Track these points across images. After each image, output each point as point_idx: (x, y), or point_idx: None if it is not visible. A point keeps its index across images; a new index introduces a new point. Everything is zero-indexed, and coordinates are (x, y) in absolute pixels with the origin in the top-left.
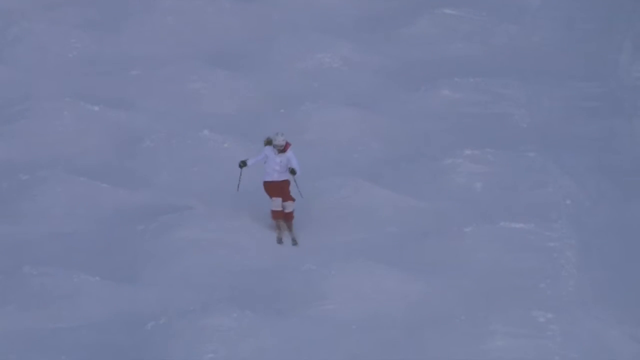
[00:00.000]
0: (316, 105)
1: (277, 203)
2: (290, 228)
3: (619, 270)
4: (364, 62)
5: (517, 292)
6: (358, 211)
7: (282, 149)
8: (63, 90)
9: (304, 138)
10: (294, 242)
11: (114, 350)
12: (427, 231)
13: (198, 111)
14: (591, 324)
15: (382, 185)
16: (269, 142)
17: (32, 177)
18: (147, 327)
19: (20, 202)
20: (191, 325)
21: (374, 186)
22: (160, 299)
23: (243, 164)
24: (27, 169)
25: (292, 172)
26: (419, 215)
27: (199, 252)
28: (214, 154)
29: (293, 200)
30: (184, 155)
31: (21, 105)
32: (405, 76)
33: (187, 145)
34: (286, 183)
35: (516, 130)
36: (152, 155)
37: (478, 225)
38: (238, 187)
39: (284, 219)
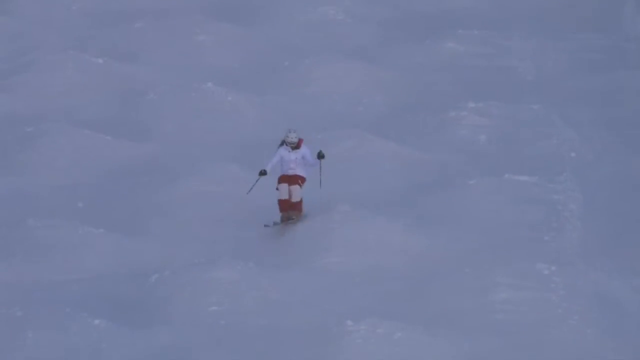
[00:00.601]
0: (320, 57)
1: (283, 191)
2: (296, 217)
3: (623, 222)
4: (368, 14)
5: (521, 245)
6: (362, 163)
7: (296, 146)
8: (67, 43)
9: (308, 91)
10: (292, 221)
11: (118, 302)
12: (431, 184)
13: (202, 64)
14: (595, 276)
15: (386, 137)
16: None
17: (36, 129)
18: (151, 279)
19: (24, 154)
20: (195, 278)
21: (377, 138)
22: (164, 251)
23: (263, 172)
24: (30, 121)
25: (321, 155)
26: (422, 168)
27: (204, 205)
28: (218, 106)
29: (300, 185)
30: (188, 108)
31: (25, 57)
32: (410, 28)
33: (191, 97)
34: (301, 177)
35: (520, 83)
36: (156, 108)
37: (482, 177)
38: (249, 190)
39: (290, 209)
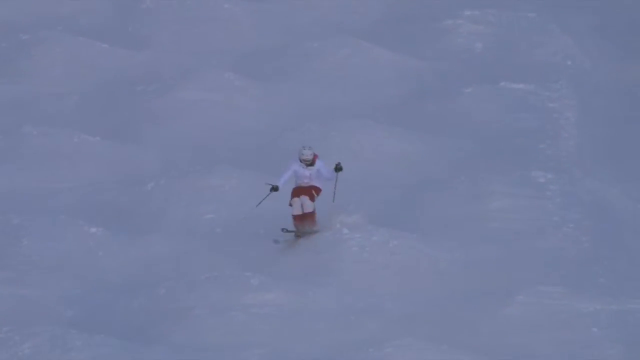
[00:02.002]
0: None
1: (296, 206)
2: (308, 226)
3: (619, 130)
4: None
5: (517, 153)
6: (358, 72)
7: (310, 162)
8: None
9: (302, 1)
10: (305, 234)
11: (114, 210)
12: (427, 92)
13: None
14: (591, 184)
15: (382, 45)
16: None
17: (32, 36)
18: (147, 187)
19: (20, 61)
20: (191, 186)
21: (374, 47)
22: (160, 159)
23: (275, 188)
24: (27, 28)
25: (338, 168)
26: (419, 76)
27: (200, 113)
28: (215, 14)
29: (312, 198)
30: (184, 16)
31: None
32: None
33: (188, 5)
34: (315, 188)
35: None
36: (152, 16)
37: (478, 85)
38: (259, 204)
39: (303, 221)
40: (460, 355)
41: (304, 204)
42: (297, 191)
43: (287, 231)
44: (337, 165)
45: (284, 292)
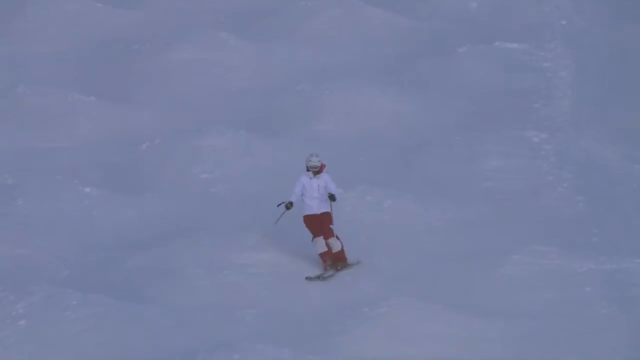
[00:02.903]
0: None
1: (320, 244)
2: (342, 267)
3: (613, 90)
4: None
5: (511, 113)
6: (352, 31)
7: (318, 171)
8: None
9: None
10: (339, 268)
11: (108, 169)
12: (421, 52)
13: None
14: (584, 144)
15: (376, 5)
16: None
17: None
18: (142, 147)
19: (13, 21)
20: (186, 146)
21: (366, 5)
22: (155, 119)
23: (290, 205)
24: None
25: (332, 198)
26: (413, 36)
27: (195, 73)
28: None
29: (335, 236)
30: None
31: None
32: None
33: None
34: (327, 216)
35: None
36: None
37: (472, 45)
38: (277, 221)
39: (334, 260)
40: (454, 315)
41: (332, 246)
42: (312, 223)
43: (312, 279)
44: (330, 195)
45: (279, 252)
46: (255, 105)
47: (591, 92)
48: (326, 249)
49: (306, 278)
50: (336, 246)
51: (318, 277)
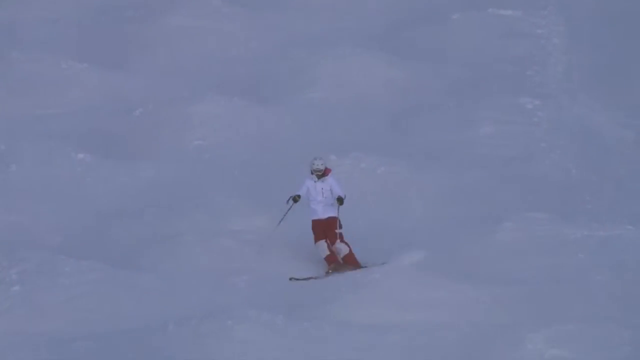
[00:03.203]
0: None
1: (322, 248)
2: (352, 266)
3: (607, 57)
4: None
5: (504, 79)
6: None
7: (322, 174)
8: None
9: None
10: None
11: (102, 136)
12: (415, 18)
13: None
14: (578, 110)
15: None
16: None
17: None
18: (135, 113)
19: None
20: (179, 112)
21: None
22: (148, 85)
23: (297, 197)
24: None
25: (340, 201)
26: (406, 3)
27: (189, 40)
28: None
29: (341, 239)
30: None
31: None
32: None
33: None
34: (332, 221)
35: None
36: None
37: (466, 12)
38: (280, 222)
39: (345, 265)
40: (447, 281)
41: (340, 251)
42: (317, 228)
43: (297, 279)
44: (339, 198)
45: (274, 219)
46: (249, 72)
47: (585, 58)
48: (329, 253)
49: (290, 279)
50: (343, 250)
51: (306, 279)
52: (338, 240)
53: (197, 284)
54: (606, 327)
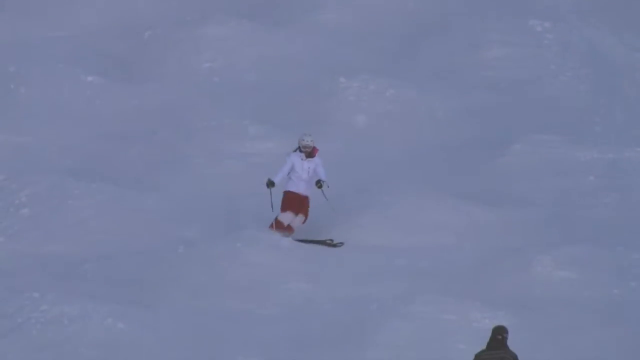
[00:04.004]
0: None
1: (286, 217)
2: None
3: None
4: None
5: (514, 1)
6: None
7: (310, 153)
8: None
9: None
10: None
11: (111, 58)
12: None
13: None
14: (588, 33)
15: None
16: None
17: None
18: (144, 35)
19: None
20: (188, 35)
21: None
22: (157, 7)
23: (271, 184)
24: None
25: (320, 185)
26: None
27: None
28: None
29: (306, 216)
30: None
31: None
32: None
33: None
34: (307, 200)
35: None
36: None
37: None
38: (272, 206)
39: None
40: (457, 203)
41: (297, 222)
42: (290, 200)
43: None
44: (317, 182)
45: (282, 141)
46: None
47: None
48: (288, 222)
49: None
50: (297, 223)
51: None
52: (301, 216)
53: (205, 205)
54: (615, 250)
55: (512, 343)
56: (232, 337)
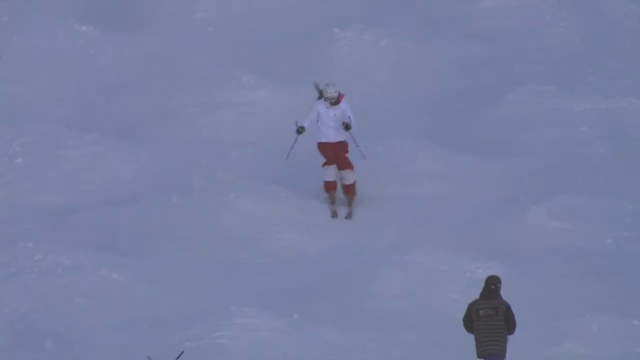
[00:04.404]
0: None
1: (330, 172)
2: (349, 203)
3: None
4: None
5: None
6: None
7: (335, 102)
8: None
9: None
10: (349, 216)
11: (104, 8)
12: None
13: None
14: None
15: None
16: (320, 96)
17: None
18: None
19: None
20: None
21: None
22: None
23: (302, 129)
24: None
25: (347, 127)
26: None
27: None
28: None
29: (351, 168)
30: None
31: None
32: None
33: None
34: (343, 146)
35: None
36: None
37: None
38: (288, 155)
39: (339, 191)
40: (452, 153)
41: (344, 177)
42: (324, 152)
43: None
44: (344, 124)
45: (275, 91)
46: None
47: None
48: (334, 179)
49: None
50: (348, 179)
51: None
52: (349, 170)
53: (199, 156)
54: (608, 200)
55: (505, 293)
56: (226, 287)
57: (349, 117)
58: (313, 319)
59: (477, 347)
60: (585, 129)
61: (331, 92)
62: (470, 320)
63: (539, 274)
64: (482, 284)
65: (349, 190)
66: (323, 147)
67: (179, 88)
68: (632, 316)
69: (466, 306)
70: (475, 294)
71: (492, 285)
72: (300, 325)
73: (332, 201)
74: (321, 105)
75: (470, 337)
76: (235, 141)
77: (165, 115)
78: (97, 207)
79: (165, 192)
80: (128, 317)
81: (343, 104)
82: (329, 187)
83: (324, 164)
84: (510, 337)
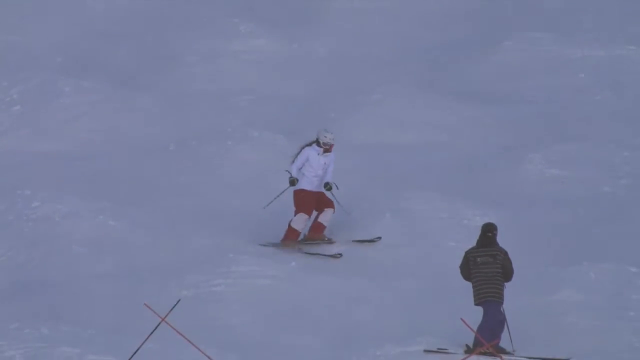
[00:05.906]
0: None
1: (300, 221)
2: (312, 238)
3: None
4: None
5: None
6: None
7: (328, 149)
8: None
9: None
10: (328, 241)
11: None
12: None
13: None
14: None
15: None
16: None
17: None
18: None
19: None
20: None
21: None
22: None
23: (296, 180)
24: None
25: (329, 188)
26: None
27: None
28: None
29: (333, 207)
30: None
31: None
32: None
33: None
34: (322, 194)
35: None
36: None
37: None
38: (269, 204)
39: (312, 233)
40: (449, 101)
41: (323, 216)
42: (306, 199)
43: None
44: (326, 184)
45: (273, 38)
46: None
47: None
48: (301, 229)
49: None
50: (326, 219)
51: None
52: (331, 210)
53: (197, 104)
54: (605, 147)
55: (502, 240)
56: (224, 235)
57: (330, 175)
58: (310, 267)
59: (475, 295)
60: (583, 76)
61: (330, 139)
62: (468, 268)
63: (536, 221)
64: (479, 232)
65: (319, 229)
66: (304, 194)
67: (177, 36)
68: (629, 263)
69: (463, 253)
70: (472, 241)
71: (488, 232)
72: (298, 273)
73: (294, 246)
74: (312, 152)
75: (468, 285)
76: (233, 89)
77: (163, 63)
78: (94, 155)
79: (163, 140)
80: (126, 265)
81: (332, 155)
82: (294, 235)
83: (297, 212)
84: (507, 285)
